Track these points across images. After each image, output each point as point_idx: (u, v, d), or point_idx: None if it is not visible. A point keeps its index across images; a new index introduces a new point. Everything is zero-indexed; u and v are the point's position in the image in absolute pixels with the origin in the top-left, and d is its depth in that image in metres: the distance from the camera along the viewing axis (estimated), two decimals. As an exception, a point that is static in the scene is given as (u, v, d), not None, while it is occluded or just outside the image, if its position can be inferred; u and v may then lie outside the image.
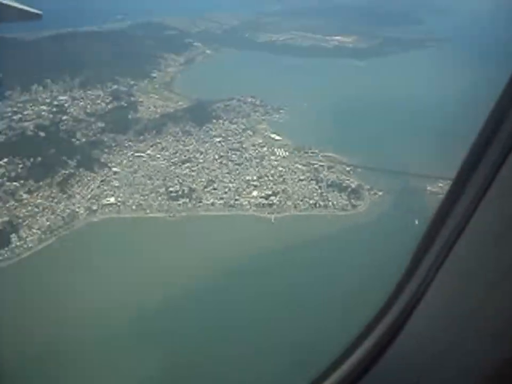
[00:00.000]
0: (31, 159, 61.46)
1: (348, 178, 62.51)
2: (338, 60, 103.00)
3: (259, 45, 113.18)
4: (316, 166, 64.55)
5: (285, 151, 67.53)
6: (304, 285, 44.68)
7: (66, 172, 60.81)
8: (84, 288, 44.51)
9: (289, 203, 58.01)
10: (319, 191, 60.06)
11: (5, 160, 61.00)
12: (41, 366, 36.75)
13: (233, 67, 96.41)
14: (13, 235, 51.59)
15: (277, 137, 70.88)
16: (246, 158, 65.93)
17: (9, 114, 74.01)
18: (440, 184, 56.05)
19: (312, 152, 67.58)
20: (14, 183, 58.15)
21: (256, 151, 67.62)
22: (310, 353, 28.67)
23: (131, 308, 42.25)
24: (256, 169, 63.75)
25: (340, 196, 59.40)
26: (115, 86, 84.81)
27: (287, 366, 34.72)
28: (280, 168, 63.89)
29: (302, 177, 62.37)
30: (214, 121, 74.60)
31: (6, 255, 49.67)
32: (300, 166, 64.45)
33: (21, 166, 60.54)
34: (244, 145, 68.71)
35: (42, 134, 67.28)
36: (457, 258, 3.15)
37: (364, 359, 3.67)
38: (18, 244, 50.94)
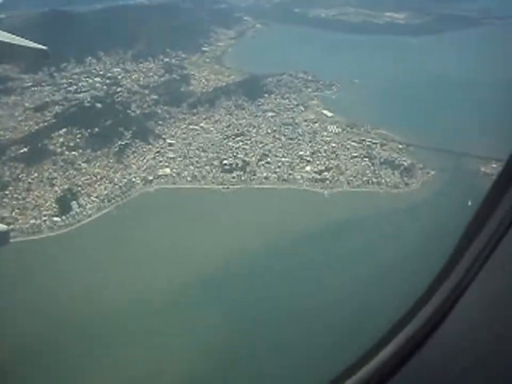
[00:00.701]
0: (89, 130, 63.01)
1: (400, 156, 61.86)
2: (390, 36, 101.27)
3: (309, 20, 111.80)
4: (368, 143, 64.10)
5: (337, 127, 67.19)
6: (355, 260, 44.81)
7: (123, 142, 62.11)
8: (141, 255, 45.78)
9: (342, 179, 57.94)
10: (372, 168, 59.67)
11: (64, 130, 62.67)
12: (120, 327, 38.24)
13: (284, 42, 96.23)
14: (73, 202, 53.13)
15: (329, 114, 70.56)
16: (298, 133, 65.84)
17: (65, 85, 75.79)
18: (494, 165, 54.97)
19: (364, 129, 67.09)
20: (73, 153, 59.76)
21: (309, 126, 67.44)
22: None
23: (185, 275, 43.19)
24: (309, 144, 63.63)
25: (393, 173, 58.96)
26: (167, 59, 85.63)
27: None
28: (333, 144, 63.66)
29: (354, 154, 62.05)
30: (266, 95, 74.76)
31: (67, 221, 51.27)
32: (352, 143, 64.12)
33: (79, 136, 62.13)
34: (296, 121, 68.66)
35: (99, 105, 68.63)
36: (504, 252, 3.12)
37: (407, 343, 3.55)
38: (78, 210, 52.45)
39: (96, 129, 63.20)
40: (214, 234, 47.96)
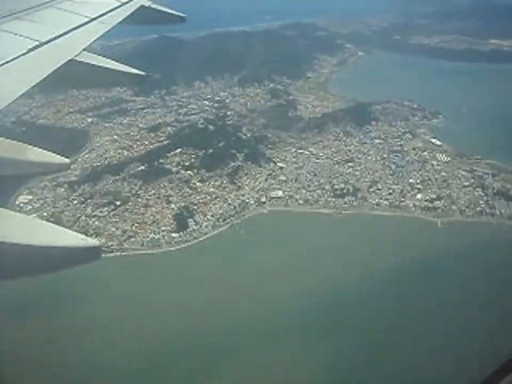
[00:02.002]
0: (203, 151, 65.85)
1: (514, 187, 60.24)
2: (495, 64, 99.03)
3: (411, 48, 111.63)
4: (479, 173, 62.76)
5: (446, 156, 66.25)
6: (468, 293, 43.82)
7: (235, 164, 64.14)
8: (253, 273, 46.88)
9: (454, 208, 56.84)
10: (485, 198, 58.21)
11: (179, 150, 65.80)
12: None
13: (387, 69, 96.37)
14: (190, 220, 55.29)
15: (438, 142, 69.83)
16: (407, 161, 65.52)
17: (175, 108, 79.85)
18: None
19: (474, 159, 65.81)
20: (188, 172, 62.36)
21: (417, 154, 67.02)
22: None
23: (294, 296, 43.83)
24: (419, 172, 63.08)
25: (507, 204, 57.20)
26: (272, 85, 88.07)
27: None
28: (443, 173, 62.78)
29: (466, 184, 60.82)
30: (373, 123, 75.26)
31: (184, 238, 53.33)
32: (463, 172, 62.95)
33: (193, 156, 64.93)
34: (404, 149, 68.42)
35: (211, 127, 71.59)
36: None
37: None
38: (194, 228, 54.41)
39: (210, 150, 65.91)
40: (335, 262, 48.18)
